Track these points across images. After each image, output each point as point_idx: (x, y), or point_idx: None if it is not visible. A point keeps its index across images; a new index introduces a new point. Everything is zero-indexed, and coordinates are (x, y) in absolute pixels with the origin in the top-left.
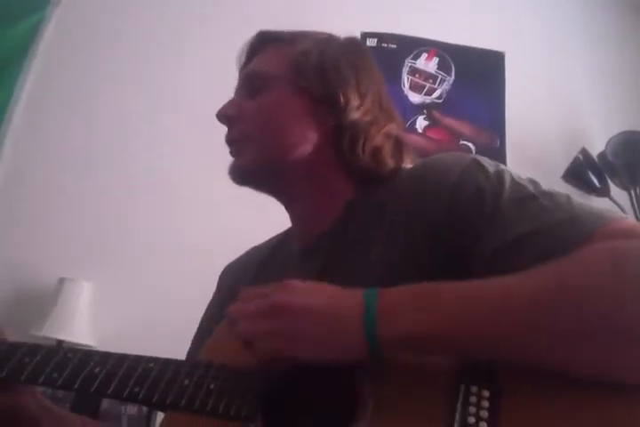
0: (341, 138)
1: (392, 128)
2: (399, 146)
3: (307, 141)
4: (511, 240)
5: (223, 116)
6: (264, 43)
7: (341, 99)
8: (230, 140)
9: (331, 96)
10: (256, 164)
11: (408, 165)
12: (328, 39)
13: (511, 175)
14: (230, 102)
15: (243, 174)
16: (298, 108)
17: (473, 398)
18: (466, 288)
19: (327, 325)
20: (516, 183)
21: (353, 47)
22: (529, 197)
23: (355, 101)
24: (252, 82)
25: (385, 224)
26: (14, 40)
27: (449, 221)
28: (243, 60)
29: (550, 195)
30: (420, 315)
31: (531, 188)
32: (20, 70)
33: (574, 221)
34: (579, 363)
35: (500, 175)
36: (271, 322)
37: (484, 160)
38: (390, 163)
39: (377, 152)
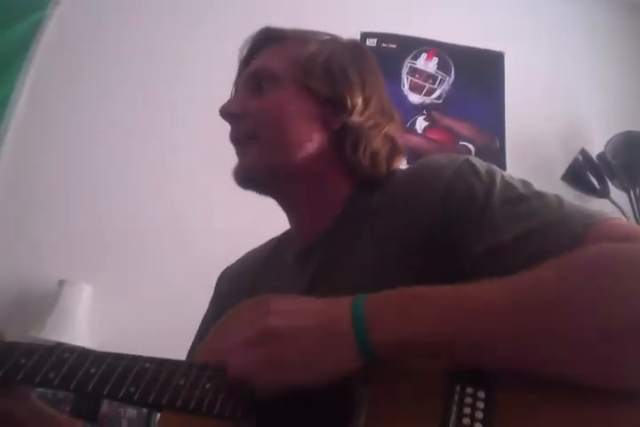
0: (344, 140)
1: (390, 129)
2: (394, 150)
3: (311, 142)
4: (502, 241)
5: (227, 113)
6: (270, 39)
7: (348, 102)
8: (235, 139)
9: (337, 98)
10: (261, 165)
11: (399, 165)
12: (333, 41)
13: (502, 175)
14: (234, 99)
15: (247, 176)
16: (304, 109)
17: (468, 400)
18: (451, 290)
19: (318, 345)
20: (507, 183)
21: (357, 50)
22: (520, 197)
23: (360, 105)
24: (258, 79)
25: (381, 224)
26: (15, 38)
27: (442, 221)
28: (245, 53)
29: (540, 195)
30: (407, 317)
31: (521, 188)
32: (21, 69)
33: (565, 221)
34: (573, 367)
35: (491, 175)
36: (260, 351)
37: (477, 161)
38: (384, 167)
39: (375, 156)
